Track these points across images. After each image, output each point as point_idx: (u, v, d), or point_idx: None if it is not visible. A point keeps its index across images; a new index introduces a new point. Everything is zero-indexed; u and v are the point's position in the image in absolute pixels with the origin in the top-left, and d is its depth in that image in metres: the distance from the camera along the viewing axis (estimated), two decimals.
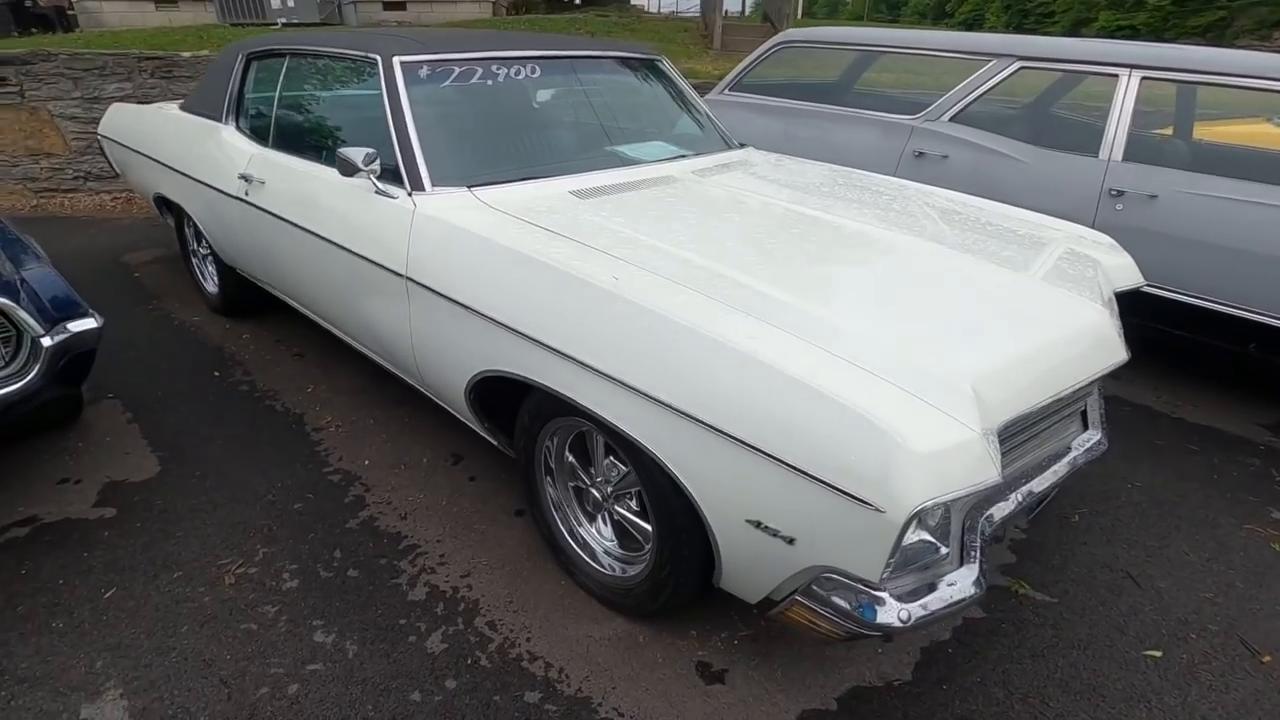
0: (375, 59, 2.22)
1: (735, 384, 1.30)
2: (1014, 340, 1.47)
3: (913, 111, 3.57)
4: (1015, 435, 1.48)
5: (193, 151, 3.05)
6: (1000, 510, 1.45)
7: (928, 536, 1.30)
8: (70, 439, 2.49)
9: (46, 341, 1.85)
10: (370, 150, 2.05)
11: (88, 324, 1.96)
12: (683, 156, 2.58)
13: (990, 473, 1.18)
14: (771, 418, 1.24)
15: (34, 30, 11.33)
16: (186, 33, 8.90)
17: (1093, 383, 1.61)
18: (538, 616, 1.80)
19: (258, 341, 3.29)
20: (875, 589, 1.20)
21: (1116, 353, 1.63)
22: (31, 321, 1.81)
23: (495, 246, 1.75)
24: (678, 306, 1.44)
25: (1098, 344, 1.60)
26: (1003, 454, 1.38)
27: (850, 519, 1.16)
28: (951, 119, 3.45)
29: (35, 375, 1.83)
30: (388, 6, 11.03)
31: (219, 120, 2.96)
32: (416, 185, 2.02)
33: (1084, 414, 1.84)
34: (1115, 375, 2.94)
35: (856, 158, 3.61)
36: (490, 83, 2.34)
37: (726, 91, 4.36)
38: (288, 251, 2.57)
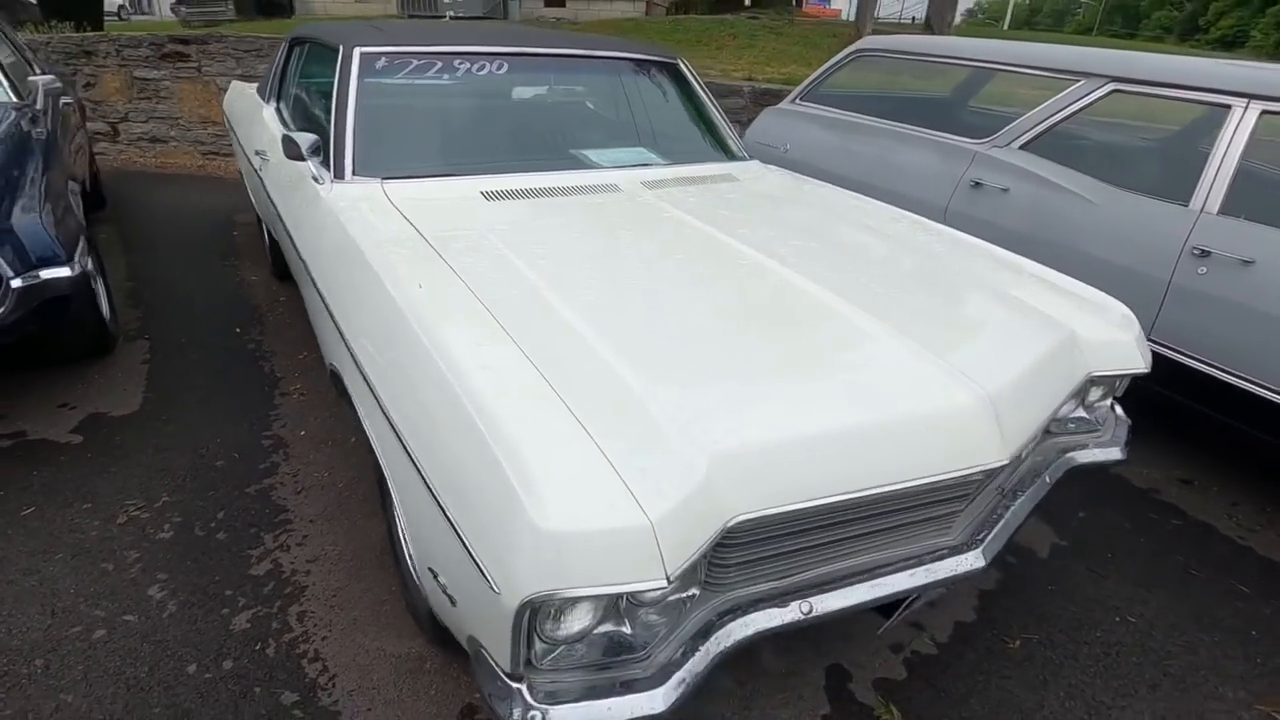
0: (339, 47, 2.29)
1: (436, 411, 1.18)
2: (819, 420, 1.20)
3: (984, 134, 3.09)
4: (783, 536, 1.20)
5: (246, 127, 3.35)
6: (757, 622, 1.19)
7: (627, 630, 1.10)
8: (92, 370, 2.85)
9: (16, 283, 2.12)
10: (316, 137, 2.12)
11: (60, 272, 2.23)
12: (647, 165, 2.42)
13: (653, 575, 0.96)
14: (450, 455, 1.11)
15: (267, 15, 13.21)
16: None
17: (944, 486, 1.28)
18: (347, 618, 1.77)
19: (289, 305, 3.57)
20: (510, 679, 1.03)
21: (981, 455, 1.28)
22: (2, 264, 2.08)
23: (347, 239, 1.74)
24: (443, 322, 1.35)
25: (951, 438, 1.26)
26: (747, 553, 1.15)
27: (482, 592, 1.00)
28: (1024, 146, 2.95)
29: (2, 311, 2.10)
30: (549, 3, 11.55)
31: (264, 100, 3.23)
32: (339, 174, 2.06)
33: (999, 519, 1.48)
34: (1187, 480, 2.39)
35: (914, 182, 3.22)
36: (447, 78, 2.33)
37: (796, 101, 4.06)
38: (277, 229, 2.74)
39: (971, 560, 1.38)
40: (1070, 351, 1.61)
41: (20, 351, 2.66)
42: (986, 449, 1.28)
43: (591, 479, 1.00)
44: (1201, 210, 2.39)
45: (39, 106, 3.29)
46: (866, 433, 1.21)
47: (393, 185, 2.02)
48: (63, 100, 3.92)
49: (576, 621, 1.05)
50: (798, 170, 3.72)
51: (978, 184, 3.00)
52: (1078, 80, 2.82)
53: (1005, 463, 1.29)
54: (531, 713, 1.00)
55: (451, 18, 10.55)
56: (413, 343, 1.32)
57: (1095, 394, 1.81)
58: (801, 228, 2.05)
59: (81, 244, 2.47)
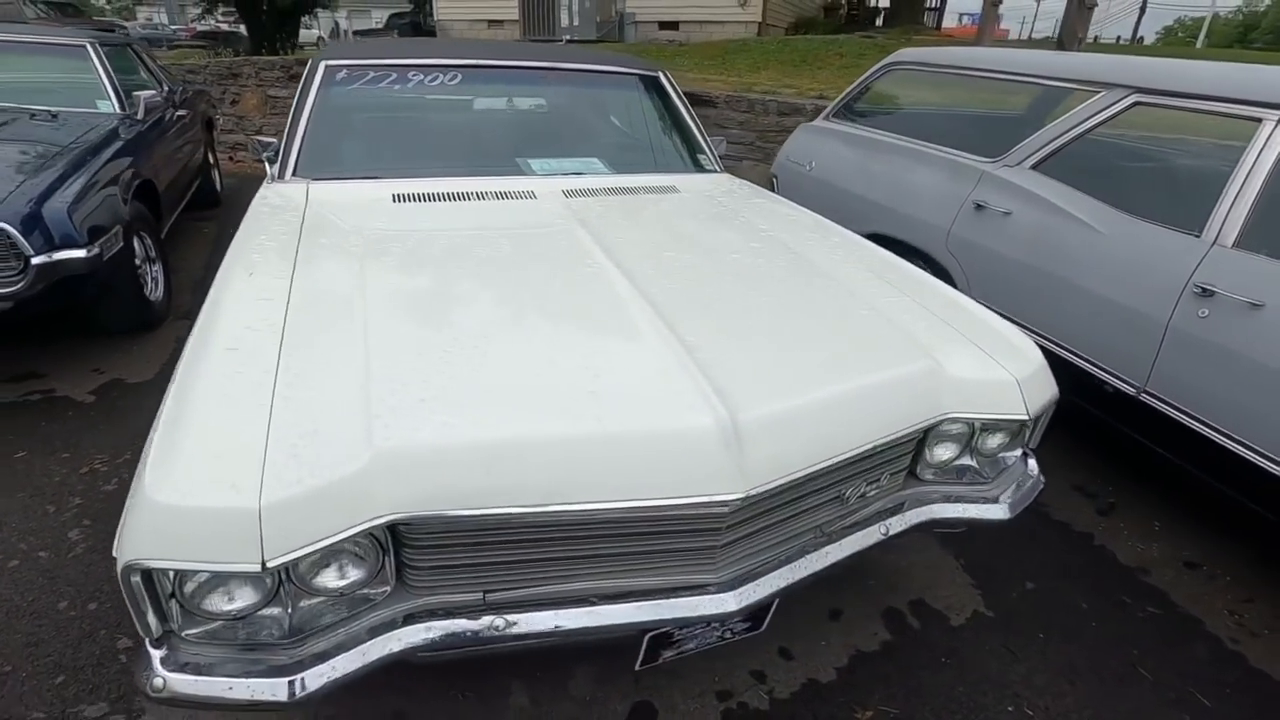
0: (308, 61, 2.49)
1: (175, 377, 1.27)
2: (518, 428, 1.14)
3: (997, 152, 2.79)
4: (475, 545, 1.15)
5: None
6: (443, 629, 1.15)
7: (284, 613, 1.11)
8: (132, 342, 3.27)
9: (35, 260, 2.49)
10: (274, 142, 2.34)
11: (76, 254, 2.59)
12: (583, 174, 2.41)
13: (248, 558, 0.96)
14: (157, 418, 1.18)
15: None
16: None
17: (670, 515, 1.16)
18: None
19: None
20: (151, 644, 1.06)
21: (707, 486, 1.15)
22: (25, 243, 2.46)
23: (242, 225, 1.89)
24: (237, 304, 1.45)
25: (676, 463, 1.15)
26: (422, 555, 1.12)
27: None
28: (1035, 165, 2.62)
29: (23, 284, 2.48)
30: (663, 26, 11.78)
31: None
32: (280, 173, 2.24)
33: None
34: (1194, 564, 2.02)
35: (920, 204, 2.99)
36: (401, 88, 2.46)
37: (828, 118, 3.87)
38: None
39: (715, 604, 1.24)
40: (918, 387, 1.41)
41: (71, 321, 3.11)
42: (716, 480, 1.15)
43: (230, 459, 1.03)
44: (1214, 242, 2.01)
45: (139, 117, 3.84)
46: (573, 446, 1.14)
47: (317, 185, 2.16)
48: (176, 113, 4.56)
49: (236, 599, 1.07)
50: (821, 189, 3.57)
51: (980, 206, 2.71)
52: (1098, 92, 2.48)
53: (736, 497, 1.16)
54: (155, 679, 1.03)
55: (567, 40, 11.09)
56: (205, 318, 1.41)
57: (993, 441, 1.58)
58: (691, 240, 1.96)
59: (115, 231, 2.86)
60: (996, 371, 1.47)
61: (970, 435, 1.55)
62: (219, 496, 0.98)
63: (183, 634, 1.08)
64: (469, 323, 1.42)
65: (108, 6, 32.79)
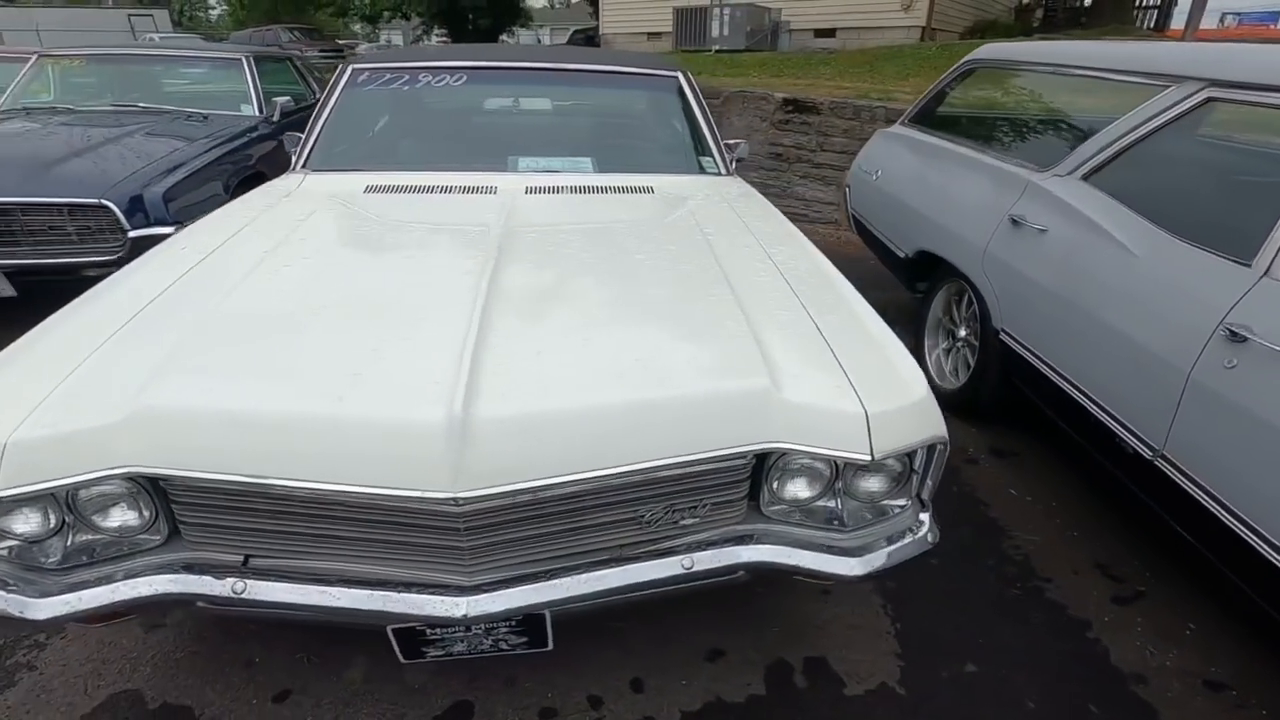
0: (337, 66, 2.74)
1: None
2: (274, 402, 1.17)
3: (1051, 160, 2.38)
4: (231, 508, 1.20)
5: None
6: (186, 584, 1.21)
7: (58, 545, 1.24)
8: None
9: (131, 234, 2.98)
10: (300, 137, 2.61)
11: (167, 230, 3.06)
12: (557, 172, 2.42)
13: None
14: None
15: None
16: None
17: (392, 507, 1.13)
18: None
19: None
20: None
21: (417, 480, 1.09)
22: (124, 220, 2.96)
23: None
24: (145, 266, 1.65)
25: (397, 453, 1.11)
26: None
27: None
28: (1087, 174, 2.20)
29: (122, 253, 2.98)
30: (819, 34, 11.35)
31: None
32: (293, 166, 2.49)
33: None
34: (1218, 684, 1.68)
35: (962, 217, 2.69)
36: (411, 89, 2.61)
37: (903, 123, 3.53)
38: None
39: (444, 606, 1.19)
40: (734, 408, 1.25)
41: None
42: (429, 477, 1.10)
43: (18, 395, 1.17)
44: (1265, 273, 1.56)
45: (274, 119, 4.45)
46: (310, 424, 1.15)
47: (313, 176, 2.37)
48: None
49: (24, 524, 1.22)
50: (883, 200, 3.28)
51: (1017, 222, 2.32)
52: (1166, 87, 2.02)
53: (446, 497, 1.10)
54: None
55: (716, 51, 11.08)
56: (119, 273, 1.62)
57: (868, 483, 1.37)
58: (607, 239, 1.88)
59: None
60: (844, 403, 1.26)
61: (833, 473, 1.34)
62: None
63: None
64: (313, 302, 1.49)
65: (359, 30, 38.02)
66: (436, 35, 24.64)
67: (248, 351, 1.31)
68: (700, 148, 2.64)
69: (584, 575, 1.26)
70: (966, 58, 3.17)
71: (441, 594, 1.21)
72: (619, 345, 1.36)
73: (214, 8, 45.24)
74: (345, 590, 1.22)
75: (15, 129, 3.70)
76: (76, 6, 25.84)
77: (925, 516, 1.41)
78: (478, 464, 1.12)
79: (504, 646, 1.34)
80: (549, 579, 1.25)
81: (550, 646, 1.36)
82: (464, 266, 1.63)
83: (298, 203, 2.12)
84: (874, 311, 1.58)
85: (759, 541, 1.35)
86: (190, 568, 1.25)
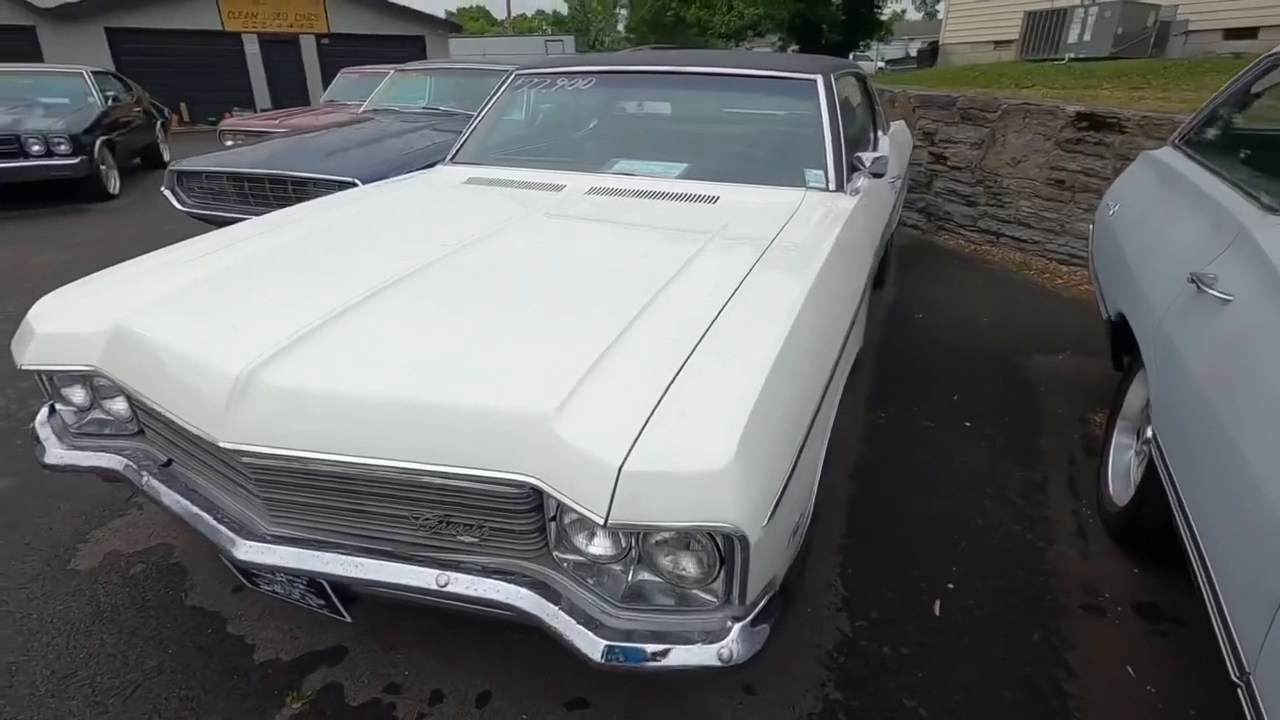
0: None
1: None
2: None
3: None
4: None
5: None
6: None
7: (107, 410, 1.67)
8: None
9: None
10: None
11: None
12: (633, 175, 2.37)
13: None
14: None
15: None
16: (977, 70, 9.75)
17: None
18: None
19: None
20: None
21: (204, 421, 1.21)
22: None
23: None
24: (253, 228, 2.07)
25: (195, 389, 1.26)
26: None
27: None
28: None
29: None
30: (1230, 34, 8.69)
31: None
32: (447, 159, 2.87)
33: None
34: None
35: (1158, 272, 2.01)
36: (550, 91, 2.79)
37: (1174, 143, 2.62)
38: None
39: (231, 543, 1.30)
40: (495, 430, 1.13)
41: None
42: (208, 419, 1.22)
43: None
44: None
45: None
46: (176, 363, 1.35)
47: (447, 168, 2.70)
48: None
49: (74, 395, 1.68)
50: (1109, 243, 2.52)
51: (1200, 285, 1.58)
52: None
53: (212, 440, 1.20)
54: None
55: (1070, 59, 9.34)
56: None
57: (678, 561, 1.14)
58: (599, 243, 1.82)
59: None
60: (605, 450, 1.05)
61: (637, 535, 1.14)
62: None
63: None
64: (298, 264, 1.74)
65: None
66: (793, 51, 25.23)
67: (209, 297, 1.58)
68: (813, 160, 2.33)
69: (347, 557, 1.27)
70: (1269, 53, 2.21)
71: (235, 533, 1.33)
72: (452, 343, 1.33)
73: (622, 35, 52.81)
74: (187, 504, 1.42)
75: (349, 122, 4.90)
76: (520, 34, 32.55)
77: (736, 628, 1.10)
78: (243, 420, 1.21)
79: (308, 602, 1.42)
80: (319, 550, 1.29)
81: (346, 618, 1.40)
82: (427, 251, 1.73)
83: (406, 188, 2.44)
84: (785, 377, 1.25)
85: (534, 587, 1.20)
86: (134, 456, 1.58)
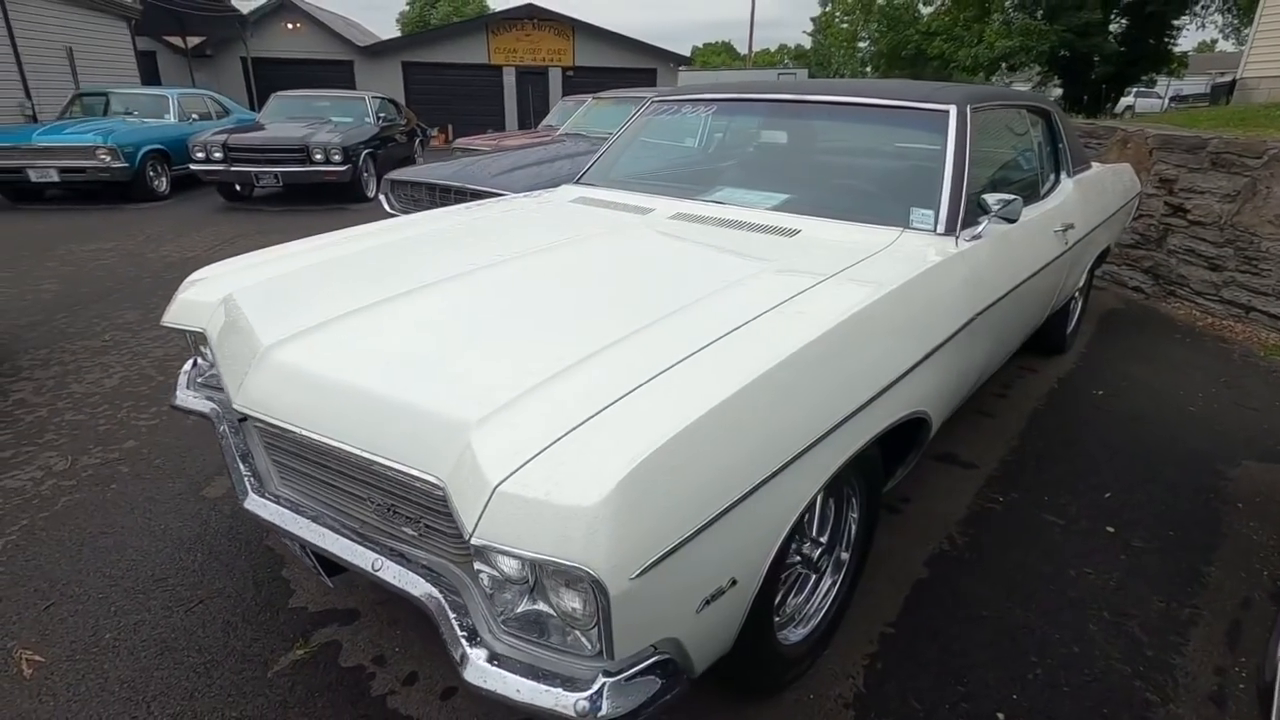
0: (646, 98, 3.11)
1: None
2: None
3: None
4: None
5: None
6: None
7: None
8: None
9: None
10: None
11: None
12: (725, 204, 2.30)
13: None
14: None
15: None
16: None
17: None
18: None
19: None
20: None
21: (230, 378, 1.40)
22: None
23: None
24: (371, 237, 2.37)
25: (232, 350, 1.46)
26: None
27: None
28: None
29: None
30: None
31: None
32: (576, 178, 3.03)
33: None
34: None
35: None
36: (676, 118, 2.81)
37: None
38: None
39: (243, 496, 1.48)
40: (420, 429, 1.17)
41: None
42: (232, 378, 1.43)
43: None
44: None
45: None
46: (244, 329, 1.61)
47: (569, 187, 2.84)
48: None
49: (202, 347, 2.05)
50: None
51: None
52: None
53: (228, 401, 1.39)
54: None
55: None
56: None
57: (561, 597, 1.10)
58: (650, 266, 1.81)
59: None
60: (493, 466, 1.04)
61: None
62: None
63: None
64: (381, 265, 1.95)
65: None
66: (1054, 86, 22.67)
67: (292, 284, 1.82)
68: (921, 199, 2.09)
69: (316, 526, 1.39)
70: None
71: (250, 487, 1.52)
72: (442, 343, 1.40)
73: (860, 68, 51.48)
74: (234, 453, 1.64)
75: (542, 143, 5.35)
76: (760, 66, 33.24)
77: (603, 683, 1.02)
78: (250, 388, 1.40)
79: (305, 561, 1.57)
80: (300, 515, 1.43)
81: (329, 583, 1.53)
82: (478, 259, 1.85)
83: (515, 204, 2.62)
84: (726, 427, 1.14)
85: (446, 592, 1.22)
86: (224, 405, 1.87)
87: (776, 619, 1.60)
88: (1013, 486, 2.50)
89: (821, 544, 1.69)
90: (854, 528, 1.78)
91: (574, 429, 1.08)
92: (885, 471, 1.85)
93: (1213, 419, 3.05)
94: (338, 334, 1.45)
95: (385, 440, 1.21)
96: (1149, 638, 1.82)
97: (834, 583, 1.76)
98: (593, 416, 1.11)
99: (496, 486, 1.01)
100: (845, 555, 1.78)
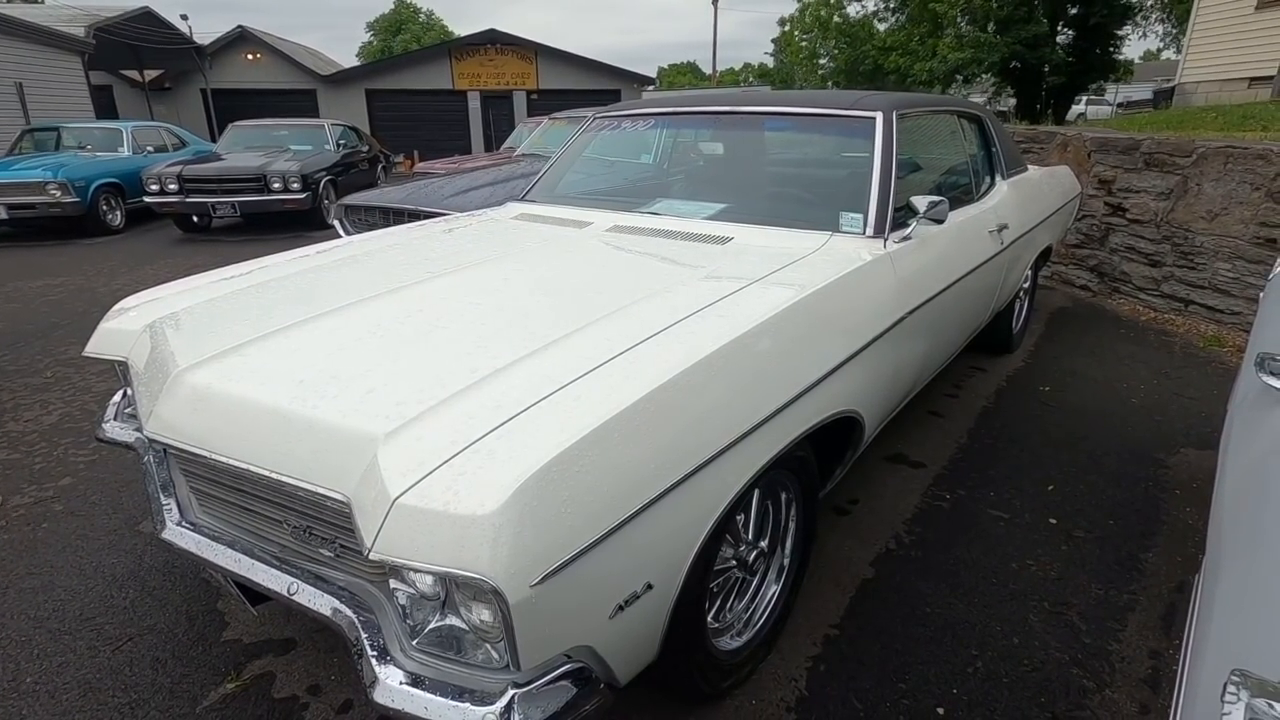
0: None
1: None
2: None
3: None
4: None
5: None
6: None
7: None
8: None
9: None
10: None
11: None
12: (660, 215, 2.32)
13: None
14: None
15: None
16: (1215, 112, 8.29)
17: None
18: None
19: None
20: None
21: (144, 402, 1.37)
22: None
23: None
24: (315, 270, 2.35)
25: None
26: None
27: None
28: None
29: None
30: None
31: None
32: (520, 195, 3.03)
33: None
34: None
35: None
36: (616, 133, 2.84)
37: None
38: None
39: (161, 525, 1.44)
40: (324, 444, 1.16)
41: None
42: (145, 400, 1.39)
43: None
44: None
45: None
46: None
47: (513, 204, 2.85)
48: None
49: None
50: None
51: (1267, 369, 1.18)
52: None
53: (141, 428, 1.36)
54: None
55: None
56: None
57: (472, 610, 1.09)
58: (574, 276, 1.80)
59: None
60: (394, 480, 1.03)
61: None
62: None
63: None
64: (310, 285, 1.93)
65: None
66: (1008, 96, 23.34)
67: (213, 311, 1.77)
68: (849, 204, 2.13)
69: (233, 552, 1.36)
70: None
71: (170, 518, 1.48)
72: (355, 361, 1.38)
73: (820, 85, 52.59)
74: (157, 485, 1.60)
75: (499, 165, 5.36)
76: (722, 87, 33.76)
77: (512, 695, 1.01)
78: (161, 412, 1.37)
79: (231, 590, 1.53)
80: (216, 541, 1.39)
81: (253, 610, 1.49)
82: (406, 277, 1.84)
83: (454, 223, 2.62)
84: (628, 435, 1.14)
85: (366, 607, 1.20)
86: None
87: (715, 625, 1.59)
88: (960, 484, 2.53)
89: (759, 548, 1.69)
90: (792, 530, 1.78)
91: (479, 439, 1.07)
92: (823, 473, 1.87)
93: (1153, 409, 3.13)
94: (252, 356, 1.43)
95: (293, 460, 1.19)
96: (1087, 625, 1.85)
97: (776, 587, 1.76)
98: (499, 426, 1.10)
99: (396, 499, 0.99)
100: (786, 560, 1.78)
